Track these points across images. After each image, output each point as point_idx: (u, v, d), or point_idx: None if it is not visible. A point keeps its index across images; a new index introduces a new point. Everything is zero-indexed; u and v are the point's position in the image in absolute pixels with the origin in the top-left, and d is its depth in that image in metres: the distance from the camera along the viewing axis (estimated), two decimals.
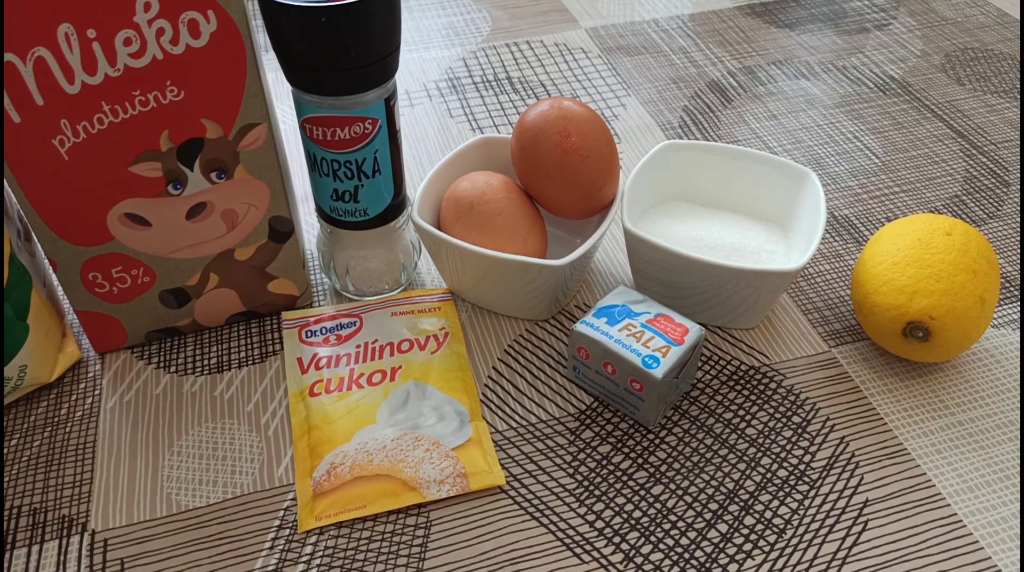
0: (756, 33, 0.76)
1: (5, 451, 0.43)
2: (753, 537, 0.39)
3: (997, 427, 0.44)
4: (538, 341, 0.48)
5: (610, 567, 0.38)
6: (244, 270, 0.46)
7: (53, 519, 0.40)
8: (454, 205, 0.47)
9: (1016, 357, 0.47)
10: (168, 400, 0.45)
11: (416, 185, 0.59)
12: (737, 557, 0.39)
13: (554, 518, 0.40)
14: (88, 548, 0.39)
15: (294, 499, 0.41)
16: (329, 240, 0.48)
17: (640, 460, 0.42)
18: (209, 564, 0.38)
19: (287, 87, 0.69)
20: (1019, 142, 0.63)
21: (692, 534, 0.39)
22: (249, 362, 0.47)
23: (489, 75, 0.70)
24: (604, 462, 0.42)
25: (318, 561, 0.38)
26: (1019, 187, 0.59)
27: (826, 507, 0.40)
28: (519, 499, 0.41)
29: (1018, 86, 0.69)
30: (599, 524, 0.40)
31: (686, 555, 0.39)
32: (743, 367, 0.47)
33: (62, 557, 0.39)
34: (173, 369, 0.47)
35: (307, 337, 0.47)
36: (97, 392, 0.46)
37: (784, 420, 0.44)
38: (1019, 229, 0.55)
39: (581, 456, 0.42)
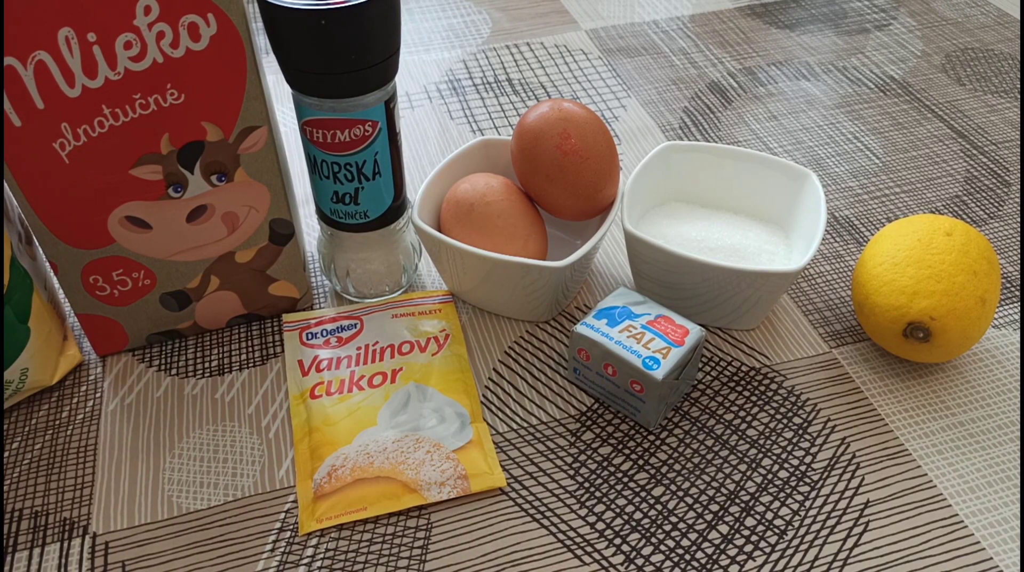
0: (756, 34, 0.76)
1: (6, 454, 0.43)
2: (754, 538, 0.39)
3: (998, 427, 0.44)
4: (539, 343, 0.48)
5: (611, 568, 0.38)
6: (245, 272, 0.46)
7: (54, 522, 0.40)
8: (454, 207, 0.47)
9: (1017, 357, 0.47)
10: (169, 403, 0.45)
11: (416, 187, 0.59)
12: (738, 558, 0.39)
13: (555, 520, 0.40)
14: (89, 551, 0.39)
15: (295, 501, 0.41)
16: (329, 242, 0.48)
17: (641, 461, 0.42)
18: (210, 567, 0.38)
19: (287, 89, 0.69)
20: (1019, 142, 0.63)
21: (693, 535, 0.39)
22: (250, 364, 0.47)
23: (489, 77, 0.70)
24: (605, 463, 0.42)
25: (319, 563, 0.38)
26: (1019, 187, 0.59)
27: (827, 508, 0.40)
28: (520, 501, 0.41)
29: (1018, 86, 0.69)
30: (600, 525, 0.40)
31: (687, 556, 0.39)
32: (744, 368, 0.47)
33: (63, 560, 0.39)
34: (174, 372, 0.47)
35: (308, 339, 0.47)
36: (98, 395, 0.46)
37: (785, 421, 0.44)
38: (1019, 229, 0.55)
39: (582, 457, 0.42)
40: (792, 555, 0.39)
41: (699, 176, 0.52)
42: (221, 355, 0.48)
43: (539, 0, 0.81)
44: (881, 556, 0.39)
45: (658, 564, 0.38)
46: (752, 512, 0.40)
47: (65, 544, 0.39)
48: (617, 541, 0.39)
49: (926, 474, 0.42)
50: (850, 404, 0.45)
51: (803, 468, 0.42)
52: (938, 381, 0.46)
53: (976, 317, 0.42)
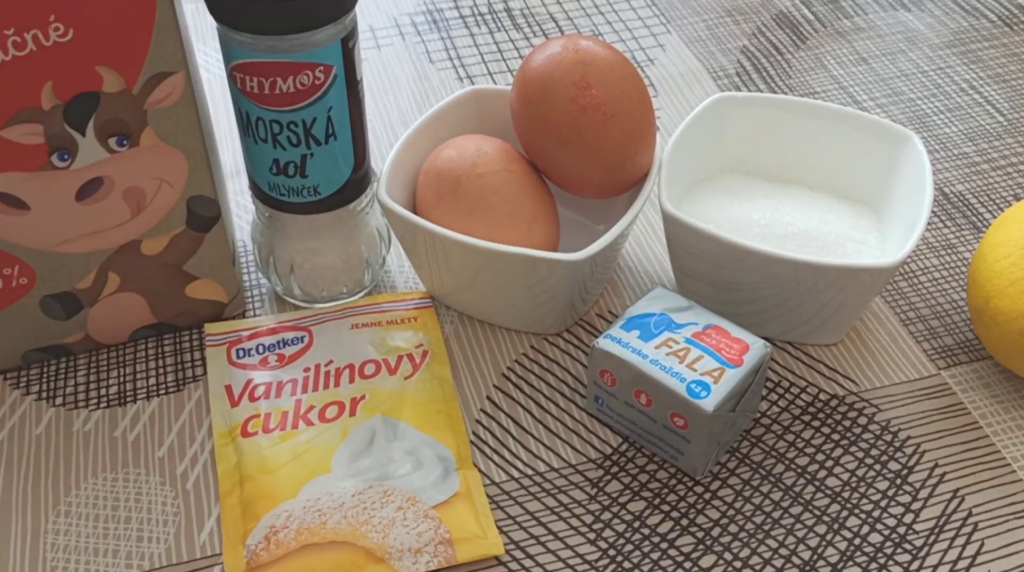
0: None
1: None
2: None
3: None
4: (548, 362, 0.48)
5: None
6: (154, 268, 0.47)
7: None
8: (435, 180, 0.47)
9: None
10: (53, 442, 0.46)
11: (384, 154, 0.60)
12: None
13: None
14: None
15: None
16: (268, 228, 0.49)
17: (685, 521, 0.42)
18: None
19: (211, 23, 0.69)
20: None
21: None
22: (161, 391, 0.47)
23: (481, 6, 0.71)
24: (636, 524, 0.42)
25: None
26: None
27: None
28: None
29: None
30: None
31: None
32: (822, 396, 0.47)
33: None
34: (59, 401, 0.47)
35: (239, 357, 0.48)
36: None
37: (878, 467, 0.44)
38: None
39: (605, 516, 0.43)
40: None
41: (762, 139, 0.52)
42: (123, 379, 0.48)
43: None
44: None
45: None
46: None
47: None
48: None
49: None
50: (965, 444, 0.45)
51: (902, 530, 0.42)
52: None
53: None
